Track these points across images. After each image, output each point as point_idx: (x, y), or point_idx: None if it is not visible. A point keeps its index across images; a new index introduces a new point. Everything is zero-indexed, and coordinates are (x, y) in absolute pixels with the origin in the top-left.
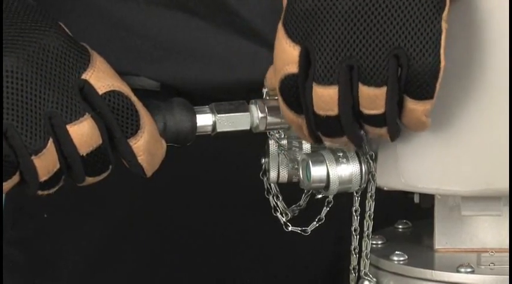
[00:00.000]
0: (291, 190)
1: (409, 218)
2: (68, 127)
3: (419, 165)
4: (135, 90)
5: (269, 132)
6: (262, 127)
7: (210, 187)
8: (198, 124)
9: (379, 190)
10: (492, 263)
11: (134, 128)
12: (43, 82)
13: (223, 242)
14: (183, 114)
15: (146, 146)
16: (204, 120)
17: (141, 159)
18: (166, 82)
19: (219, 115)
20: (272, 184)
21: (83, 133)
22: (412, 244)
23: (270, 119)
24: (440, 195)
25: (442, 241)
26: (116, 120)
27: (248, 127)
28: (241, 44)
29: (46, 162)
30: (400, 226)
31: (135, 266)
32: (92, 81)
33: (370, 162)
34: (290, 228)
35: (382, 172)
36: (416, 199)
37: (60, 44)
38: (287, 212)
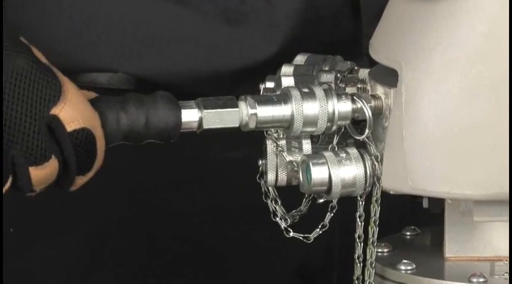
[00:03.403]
0: (290, 194)
1: (418, 224)
2: (31, 170)
3: (428, 167)
4: (111, 90)
5: (266, 132)
6: (252, 125)
7: (203, 190)
8: (183, 120)
9: (385, 194)
10: (506, 272)
11: (87, 168)
12: (14, 114)
13: (218, 249)
14: (167, 109)
15: (86, 181)
16: (190, 115)
17: (73, 189)
18: (148, 77)
19: (206, 110)
20: (270, 188)
21: (44, 176)
22: (420, 252)
23: (261, 117)
24: (451, 200)
25: (452, 248)
26: (76, 159)
27: (237, 125)
28: (228, 31)
29: None
30: (408, 233)
31: (128, 272)
32: (62, 117)
33: (376, 163)
34: (291, 234)
35: (388, 175)
36: (425, 204)
37: (33, 68)
38: (286, 217)
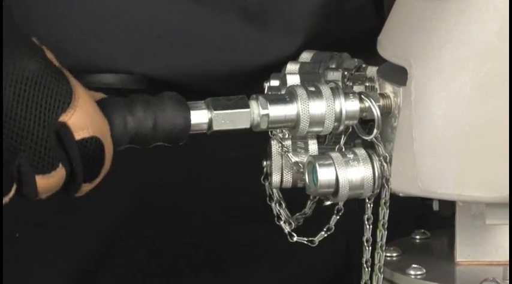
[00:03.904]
0: (295, 196)
1: (427, 227)
2: (37, 178)
3: (438, 168)
4: (122, 91)
5: (271, 132)
6: (263, 126)
7: (206, 192)
8: (192, 122)
9: (394, 197)
10: None
11: (94, 176)
12: (22, 120)
13: (221, 251)
14: (175, 110)
15: (91, 189)
16: (199, 116)
17: (79, 195)
18: (160, 76)
19: (215, 111)
20: (274, 190)
21: (51, 184)
22: (430, 257)
23: (272, 117)
24: (462, 202)
25: (464, 252)
26: (83, 168)
27: (248, 126)
28: (245, 30)
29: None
30: (418, 237)
31: (132, 272)
32: (71, 124)
33: (384, 164)
34: (295, 238)
35: (397, 176)
36: (436, 207)
37: (44, 73)
38: (291, 221)
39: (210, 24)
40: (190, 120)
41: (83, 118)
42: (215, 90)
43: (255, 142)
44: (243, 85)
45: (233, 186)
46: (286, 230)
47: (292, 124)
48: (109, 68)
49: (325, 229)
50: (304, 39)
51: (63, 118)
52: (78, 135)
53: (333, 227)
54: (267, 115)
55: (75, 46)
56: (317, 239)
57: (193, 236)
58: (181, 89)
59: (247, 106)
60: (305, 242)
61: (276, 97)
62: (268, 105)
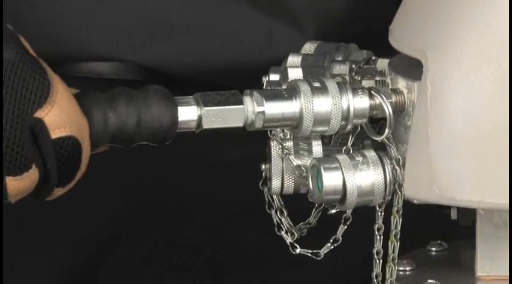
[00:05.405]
0: (298, 203)
1: (445, 238)
2: (8, 179)
3: (457, 172)
4: (115, 81)
5: (270, 131)
6: (258, 125)
7: (201, 195)
8: (179, 119)
9: (407, 204)
10: None
11: (69, 180)
12: None
13: (218, 261)
14: (161, 106)
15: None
16: (188, 113)
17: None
18: (156, 67)
19: (205, 108)
20: (275, 196)
21: (22, 187)
22: (448, 271)
23: (269, 114)
24: (483, 210)
25: (485, 266)
26: (57, 170)
27: (241, 124)
28: (254, 18)
29: None
30: (434, 248)
31: (126, 274)
32: (47, 122)
33: (397, 168)
34: (298, 250)
35: (411, 181)
36: (454, 215)
37: (20, 63)
38: (293, 231)
39: (213, 13)
40: (177, 117)
41: (60, 116)
42: (217, 85)
43: (253, 143)
44: (249, 80)
45: (231, 189)
46: (288, 242)
47: (294, 123)
48: (102, 56)
49: (331, 241)
50: (316, 31)
51: (39, 114)
52: (54, 134)
53: (340, 238)
54: (263, 112)
55: (67, 32)
56: (322, 251)
57: (186, 238)
58: (181, 82)
59: (241, 103)
60: (309, 254)
61: (273, 93)
62: (264, 102)
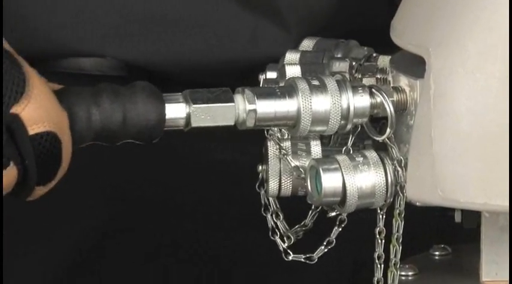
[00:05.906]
0: (294, 206)
1: (449, 242)
2: None
3: (461, 174)
4: (99, 77)
5: (267, 131)
6: (250, 123)
7: (195, 200)
8: (167, 117)
9: (409, 206)
10: None
11: (49, 178)
12: None
13: (213, 267)
14: (148, 103)
15: (46, 192)
16: (176, 111)
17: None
18: (139, 63)
19: (194, 105)
20: (271, 199)
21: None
22: (452, 276)
23: (261, 113)
24: (488, 212)
25: (490, 271)
26: (36, 168)
27: (232, 123)
28: (239, 15)
29: None
30: (437, 252)
31: (122, 276)
32: (24, 118)
33: (399, 169)
34: (291, 257)
35: (413, 183)
36: (458, 218)
37: None
38: (289, 235)
39: (198, 10)
40: (165, 115)
41: (37, 111)
42: (201, 82)
43: (249, 143)
44: (239, 78)
45: (226, 191)
46: (281, 248)
47: (290, 123)
48: (85, 51)
49: (325, 243)
50: (302, 29)
51: (15, 109)
52: (32, 130)
53: (334, 240)
54: (254, 111)
55: (50, 28)
56: (316, 255)
57: (182, 239)
58: (167, 79)
59: (232, 100)
60: (302, 260)
61: (266, 91)
62: (256, 100)
